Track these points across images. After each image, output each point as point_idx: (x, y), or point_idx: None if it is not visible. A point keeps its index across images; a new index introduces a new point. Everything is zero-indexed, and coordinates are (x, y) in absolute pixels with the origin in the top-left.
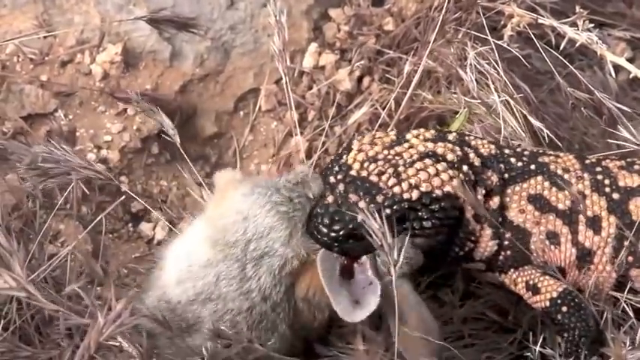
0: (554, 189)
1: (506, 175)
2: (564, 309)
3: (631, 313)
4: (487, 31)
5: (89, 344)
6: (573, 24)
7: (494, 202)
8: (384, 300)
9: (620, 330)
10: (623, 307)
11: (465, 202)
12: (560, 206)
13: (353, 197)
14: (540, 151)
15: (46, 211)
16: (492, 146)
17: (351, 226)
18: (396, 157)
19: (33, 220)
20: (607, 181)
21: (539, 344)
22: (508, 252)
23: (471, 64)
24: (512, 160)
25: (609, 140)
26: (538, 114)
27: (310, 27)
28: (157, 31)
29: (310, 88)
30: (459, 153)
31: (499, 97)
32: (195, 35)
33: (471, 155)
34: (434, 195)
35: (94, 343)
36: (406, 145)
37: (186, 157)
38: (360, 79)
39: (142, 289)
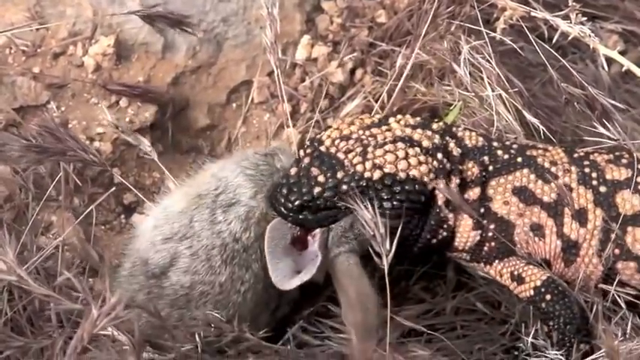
0: (539, 182)
1: (490, 167)
2: (548, 297)
3: (622, 304)
4: (480, 24)
5: (82, 336)
6: (566, 17)
7: (475, 193)
8: (332, 274)
9: (611, 322)
10: (614, 299)
11: (435, 189)
12: (546, 199)
13: (314, 171)
14: (530, 145)
15: (38, 202)
16: (480, 138)
17: (305, 198)
18: (370, 138)
19: (25, 212)
20: (594, 174)
21: (531, 335)
22: (492, 243)
23: (464, 58)
24: (499, 152)
25: (585, 137)
26: (531, 108)
27: (303, 19)
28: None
29: (303, 80)
30: (437, 141)
31: (493, 90)
32: (187, 32)
33: (451, 145)
34: (397, 177)
35: (87, 334)
36: (384, 127)
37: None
38: (352, 72)
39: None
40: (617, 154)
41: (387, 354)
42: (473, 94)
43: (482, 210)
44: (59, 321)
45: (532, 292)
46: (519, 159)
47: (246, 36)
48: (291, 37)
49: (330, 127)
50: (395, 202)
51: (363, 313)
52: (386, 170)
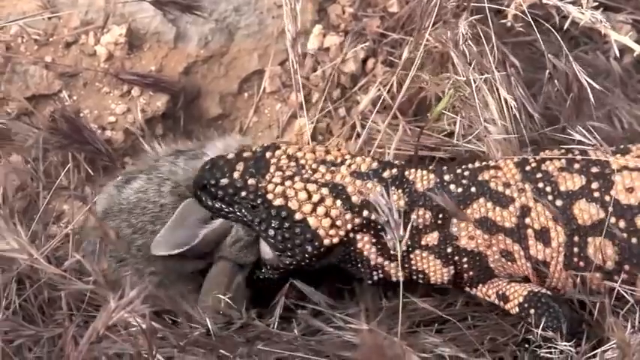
0: (497, 208)
1: (448, 207)
2: (532, 311)
3: (630, 299)
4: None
5: (98, 326)
6: (578, 4)
7: (433, 237)
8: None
9: (619, 316)
10: (617, 295)
11: (354, 241)
12: (507, 224)
13: (239, 166)
14: (481, 166)
15: (50, 191)
16: (432, 176)
17: (211, 181)
18: (309, 172)
19: (36, 201)
20: (548, 188)
21: (541, 327)
22: (470, 272)
23: (462, 37)
24: (452, 187)
25: (562, 146)
26: (536, 97)
27: (315, 9)
28: (161, 13)
29: (314, 70)
30: (372, 196)
31: (482, 74)
32: (199, 17)
33: (395, 197)
34: (294, 215)
35: (102, 325)
36: (332, 168)
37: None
38: (364, 61)
39: None
40: (569, 157)
41: (397, 341)
42: (464, 79)
43: (449, 250)
44: (69, 309)
45: (517, 309)
46: (473, 189)
47: (258, 25)
48: (303, 27)
49: (301, 145)
50: (279, 236)
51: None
52: (289, 204)
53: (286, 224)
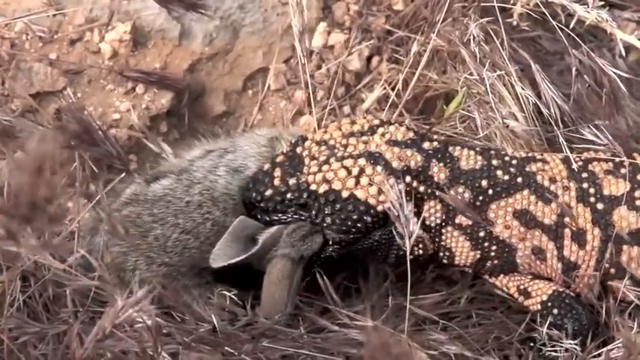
0: (539, 203)
1: (490, 191)
2: (555, 311)
3: (633, 298)
4: (496, 9)
5: (104, 324)
6: (583, 3)
7: (465, 219)
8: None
9: (623, 316)
10: (623, 297)
11: (378, 206)
12: (546, 221)
13: (276, 172)
14: (529, 157)
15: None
16: (479, 158)
17: (258, 198)
18: (341, 148)
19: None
20: (592, 190)
21: (546, 325)
22: (495, 261)
23: (474, 39)
24: (499, 173)
25: (574, 145)
26: (547, 94)
27: (320, 6)
28: (166, 10)
29: (319, 67)
30: (412, 163)
31: (494, 72)
32: (204, 15)
33: (435, 169)
34: (341, 195)
35: (109, 324)
36: (364, 138)
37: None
38: (368, 59)
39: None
40: (617, 161)
41: (403, 338)
42: (477, 77)
43: (481, 234)
44: (74, 306)
45: (539, 307)
46: (519, 179)
47: (263, 23)
48: (308, 25)
49: (326, 127)
50: (337, 220)
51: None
52: (332, 186)
53: (337, 206)
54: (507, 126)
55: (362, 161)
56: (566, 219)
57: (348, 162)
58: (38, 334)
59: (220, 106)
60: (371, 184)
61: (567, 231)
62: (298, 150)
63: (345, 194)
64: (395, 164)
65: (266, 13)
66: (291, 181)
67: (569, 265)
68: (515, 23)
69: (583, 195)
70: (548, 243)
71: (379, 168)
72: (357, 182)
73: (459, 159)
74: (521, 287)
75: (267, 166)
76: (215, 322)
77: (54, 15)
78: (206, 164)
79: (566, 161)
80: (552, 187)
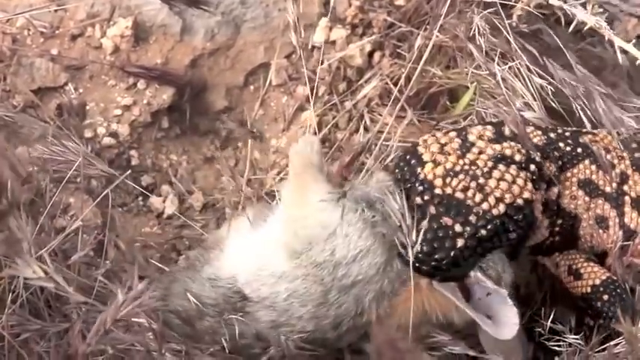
0: (600, 172)
1: (559, 162)
2: (605, 297)
3: None
4: (498, 5)
5: (105, 319)
6: (584, 5)
7: (554, 192)
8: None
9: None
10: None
11: (535, 201)
12: (608, 189)
13: (447, 220)
14: (578, 130)
15: (56, 184)
16: (539, 132)
17: (453, 253)
18: (472, 167)
19: (43, 194)
20: None
21: (550, 319)
22: (557, 237)
23: (480, 32)
24: (561, 144)
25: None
26: (554, 85)
27: (321, 1)
28: (167, 6)
29: (321, 62)
30: (523, 151)
31: (506, 64)
32: (205, 11)
33: (531, 151)
34: (515, 205)
35: (110, 319)
36: (475, 150)
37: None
38: (370, 54)
39: (195, 262)
40: None
41: (408, 336)
42: (487, 72)
43: (554, 207)
44: (78, 304)
45: (589, 290)
46: (579, 149)
47: (264, 18)
48: (310, 20)
49: (421, 158)
50: (519, 231)
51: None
52: (507, 201)
53: (518, 217)
54: (523, 117)
55: (502, 167)
56: (625, 187)
57: (496, 174)
58: (40, 331)
59: (222, 102)
60: (526, 182)
61: (627, 198)
62: (439, 192)
63: (519, 202)
64: (517, 157)
65: (267, 9)
66: (473, 218)
67: (629, 234)
68: (514, 24)
69: (638, 163)
70: (611, 211)
71: (515, 167)
72: (520, 187)
73: (530, 138)
74: (574, 267)
75: (426, 225)
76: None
77: (55, 10)
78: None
79: (611, 133)
80: (608, 157)
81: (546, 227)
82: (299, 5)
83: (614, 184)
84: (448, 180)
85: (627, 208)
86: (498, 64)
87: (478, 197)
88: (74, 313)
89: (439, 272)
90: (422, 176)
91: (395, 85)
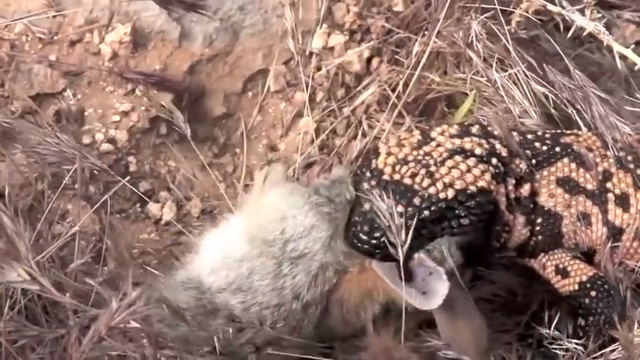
0: (581, 170)
1: (533, 161)
2: (593, 293)
3: None
4: (498, 12)
5: (100, 327)
6: (582, 11)
7: (526, 189)
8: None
9: (637, 310)
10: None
11: (497, 194)
12: (589, 187)
13: (389, 202)
14: (560, 132)
15: (54, 190)
16: (515, 133)
17: (378, 234)
18: (426, 157)
19: (41, 200)
20: (630, 157)
21: (553, 326)
22: (539, 237)
23: (478, 38)
24: (537, 144)
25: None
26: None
27: (319, 8)
28: (166, 12)
29: (319, 69)
30: (487, 146)
31: (505, 71)
32: (204, 16)
33: (498, 146)
34: (468, 191)
35: (104, 327)
36: (433, 143)
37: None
38: (368, 60)
39: (171, 267)
40: None
41: (401, 344)
42: (485, 78)
43: (531, 205)
44: (74, 310)
45: (576, 287)
46: (557, 148)
47: (263, 24)
48: (308, 26)
49: (379, 152)
50: (472, 217)
51: (474, 339)
52: (457, 187)
53: (471, 203)
54: (523, 124)
55: (458, 158)
56: (609, 184)
57: (450, 163)
58: (37, 338)
59: (220, 108)
60: (483, 173)
61: (611, 195)
62: (387, 178)
63: (472, 189)
64: (478, 151)
65: (266, 15)
66: (416, 200)
67: (614, 230)
68: (512, 30)
69: (622, 162)
70: (593, 208)
71: (474, 159)
72: (474, 176)
73: (501, 137)
74: (560, 266)
75: (368, 206)
76: (216, 344)
77: (54, 16)
78: (268, 268)
79: (597, 134)
80: (590, 156)
81: (524, 225)
82: (297, 12)
83: (596, 182)
84: (398, 167)
85: (611, 205)
86: (497, 71)
87: (426, 182)
88: (70, 319)
89: (378, 251)
90: (373, 165)
91: (393, 91)
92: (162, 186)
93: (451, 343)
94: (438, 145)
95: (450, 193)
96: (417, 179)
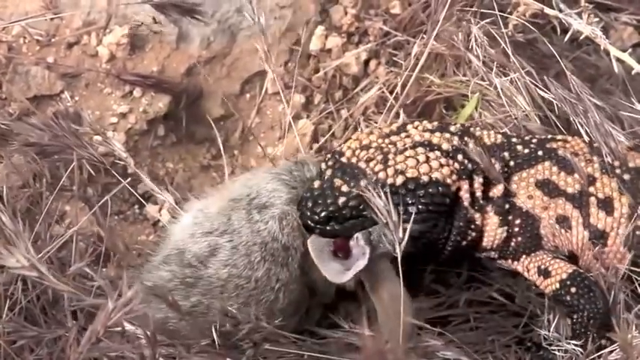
0: (562, 173)
1: (511, 163)
2: (573, 290)
3: None
4: (497, 12)
5: (97, 328)
6: (579, 14)
7: (499, 189)
8: (367, 274)
9: (631, 312)
10: (636, 287)
11: (460, 190)
12: (570, 190)
13: (337, 182)
14: (549, 137)
15: (52, 192)
16: (499, 136)
17: (331, 208)
18: (390, 146)
19: (39, 201)
20: (617, 163)
21: (552, 328)
22: (519, 238)
23: (477, 41)
24: (519, 147)
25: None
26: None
27: (317, 10)
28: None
29: (317, 71)
30: (456, 143)
31: (506, 75)
32: (199, 21)
33: (471, 145)
34: (420, 181)
35: (101, 326)
36: (403, 134)
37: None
38: (366, 62)
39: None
40: (637, 142)
41: (399, 345)
42: (487, 82)
43: (507, 206)
44: (73, 311)
45: (558, 285)
46: (540, 152)
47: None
48: (306, 28)
49: (350, 138)
50: (420, 206)
51: (397, 318)
52: (408, 175)
53: (420, 192)
54: (524, 127)
55: (420, 149)
56: (592, 188)
57: (409, 152)
58: (35, 338)
59: (218, 110)
60: (442, 166)
61: (593, 199)
62: (344, 160)
63: (424, 179)
64: (445, 146)
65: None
66: (363, 182)
67: (597, 233)
68: (510, 34)
69: (607, 167)
70: (573, 211)
71: (437, 152)
72: (430, 167)
73: (481, 137)
74: (542, 267)
75: (316, 184)
76: (215, 333)
77: (51, 18)
78: (242, 215)
79: (586, 141)
80: (575, 160)
81: (498, 225)
82: (295, 13)
83: (577, 186)
84: (357, 152)
85: (593, 209)
86: (497, 75)
87: (378, 167)
88: (69, 320)
89: (318, 227)
90: (338, 149)
91: (391, 93)
92: (160, 188)
93: (380, 325)
94: (407, 137)
95: (399, 180)
96: (372, 164)
